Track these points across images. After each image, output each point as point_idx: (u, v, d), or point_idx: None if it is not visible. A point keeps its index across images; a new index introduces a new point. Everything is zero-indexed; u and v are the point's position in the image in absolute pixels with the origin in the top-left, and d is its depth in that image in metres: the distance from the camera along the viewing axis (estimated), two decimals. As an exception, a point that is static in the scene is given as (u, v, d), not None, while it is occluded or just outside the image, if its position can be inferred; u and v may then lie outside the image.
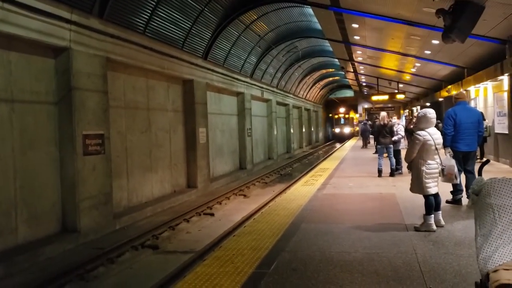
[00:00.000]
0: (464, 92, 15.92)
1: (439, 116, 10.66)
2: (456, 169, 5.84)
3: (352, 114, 51.75)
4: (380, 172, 11.45)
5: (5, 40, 7.85)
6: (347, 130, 50.38)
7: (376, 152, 17.39)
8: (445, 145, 6.57)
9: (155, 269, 7.53)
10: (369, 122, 26.73)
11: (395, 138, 11.71)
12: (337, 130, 52.06)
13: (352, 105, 51.16)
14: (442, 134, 6.06)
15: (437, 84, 23.10)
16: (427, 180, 5.60)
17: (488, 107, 14.75)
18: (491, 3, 8.14)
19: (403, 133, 12.32)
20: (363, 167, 14.06)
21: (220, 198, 13.50)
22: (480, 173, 2.61)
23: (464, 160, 7.10)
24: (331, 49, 26.30)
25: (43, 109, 8.79)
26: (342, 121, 51.73)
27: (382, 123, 11.90)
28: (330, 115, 54.82)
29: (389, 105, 41.00)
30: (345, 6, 13.30)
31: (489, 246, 2.23)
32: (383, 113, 12.42)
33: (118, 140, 11.21)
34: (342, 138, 48.04)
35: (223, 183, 17.32)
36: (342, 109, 52.00)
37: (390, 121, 12.52)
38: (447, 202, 7.15)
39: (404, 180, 9.88)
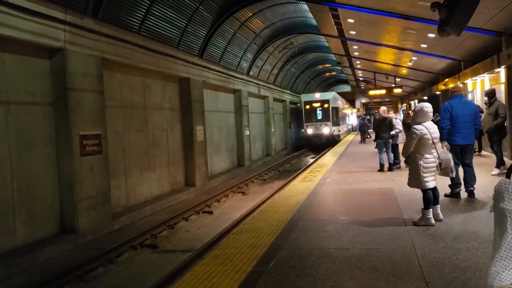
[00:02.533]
0: (461, 85, 15.93)
1: (436, 110, 10.68)
2: (452, 163, 5.83)
3: (339, 104, 32.45)
4: (382, 166, 11.40)
5: (-1, 41, 7.81)
6: (326, 130, 29.83)
7: (377, 147, 17.37)
8: (441, 139, 6.55)
9: (154, 269, 7.52)
10: (367, 117, 26.66)
11: (392, 132, 11.67)
12: (309, 131, 30.32)
13: (349, 100, 45.25)
14: (438, 128, 6.04)
15: (434, 78, 23.11)
16: (424, 174, 5.59)
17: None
18: (486, -5, 8.12)
19: (400, 127, 12.27)
20: (362, 162, 14.05)
21: (219, 196, 13.48)
22: (508, 176, 2.21)
23: (461, 154, 7.08)
24: (327, 44, 26.30)
25: (39, 110, 8.76)
26: (319, 115, 30.42)
27: (381, 117, 11.86)
28: (298, 104, 33.83)
29: (387, 99, 41.12)
30: (340, 1, 13.24)
31: (500, 260, 1.89)
32: (383, 107, 12.36)
33: (115, 140, 11.18)
34: (319, 145, 29.52)
35: (221, 180, 17.31)
36: (317, 95, 31.58)
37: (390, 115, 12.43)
38: (445, 196, 7.14)
39: (402, 174, 9.88)
